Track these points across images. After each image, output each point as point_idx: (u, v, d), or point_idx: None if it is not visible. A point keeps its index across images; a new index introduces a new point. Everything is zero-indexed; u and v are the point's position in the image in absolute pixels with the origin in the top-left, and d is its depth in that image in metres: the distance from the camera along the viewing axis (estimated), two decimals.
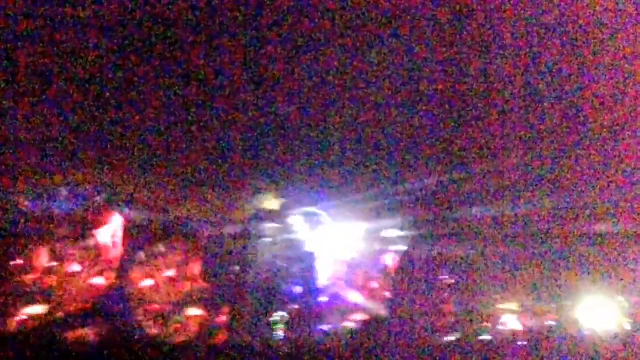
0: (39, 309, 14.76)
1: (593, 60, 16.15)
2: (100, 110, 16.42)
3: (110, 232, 15.69)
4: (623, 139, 17.18)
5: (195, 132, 17.00)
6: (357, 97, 17.34)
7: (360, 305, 16.76)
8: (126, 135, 16.88)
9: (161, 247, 16.28)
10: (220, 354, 12.79)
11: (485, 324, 17.17)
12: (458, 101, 17.40)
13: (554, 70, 16.71)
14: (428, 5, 15.56)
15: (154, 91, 16.42)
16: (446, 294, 17.28)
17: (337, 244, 17.71)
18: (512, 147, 17.89)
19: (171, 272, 16.12)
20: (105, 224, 15.71)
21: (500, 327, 17.24)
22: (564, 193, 18.16)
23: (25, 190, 15.71)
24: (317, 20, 15.83)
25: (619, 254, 18.63)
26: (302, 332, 15.18)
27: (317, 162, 17.86)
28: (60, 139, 16.26)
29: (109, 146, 16.67)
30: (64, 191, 16.02)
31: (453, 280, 17.74)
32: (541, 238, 18.62)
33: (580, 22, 15.63)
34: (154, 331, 14.97)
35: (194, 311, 15.90)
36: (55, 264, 15.37)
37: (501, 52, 16.44)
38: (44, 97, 15.69)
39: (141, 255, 15.97)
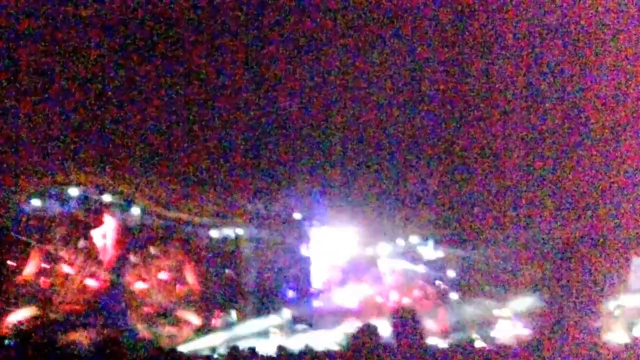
0: (32, 311, 14.71)
1: (595, 61, 16.06)
2: (101, 110, 16.38)
3: (105, 234, 15.62)
4: (625, 140, 17.08)
5: (193, 135, 16.95)
6: (357, 98, 17.27)
7: (353, 310, 16.68)
8: (124, 136, 16.84)
9: (156, 250, 16.19)
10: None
11: (480, 329, 17.11)
12: (459, 102, 17.32)
13: (555, 71, 16.62)
14: (430, 6, 15.49)
15: (155, 91, 16.37)
16: (440, 300, 17.21)
17: (332, 249, 17.62)
18: (514, 147, 17.81)
19: (165, 275, 16.03)
20: (100, 225, 15.64)
21: (495, 334, 17.16)
22: (564, 195, 18.10)
23: (24, 189, 15.68)
24: (319, 21, 15.76)
25: (618, 257, 18.55)
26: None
27: (315, 166, 17.79)
28: (57, 138, 16.23)
29: (107, 146, 16.64)
30: (60, 192, 15.98)
31: (448, 286, 17.67)
32: (542, 240, 18.54)
33: (583, 23, 15.55)
34: (147, 334, 14.89)
35: (187, 315, 15.83)
36: (48, 265, 15.30)
37: (503, 52, 16.35)
38: (45, 96, 15.68)
39: (136, 257, 15.89)
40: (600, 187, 17.71)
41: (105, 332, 13.77)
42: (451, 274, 18.02)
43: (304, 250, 17.23)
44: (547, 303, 17.84)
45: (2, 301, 14.77)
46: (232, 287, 16.60)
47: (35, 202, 15.59)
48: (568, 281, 17.94)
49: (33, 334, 13.53)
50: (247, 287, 16.72)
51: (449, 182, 18.53)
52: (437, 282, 17.20)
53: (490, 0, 15.48)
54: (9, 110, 15.59)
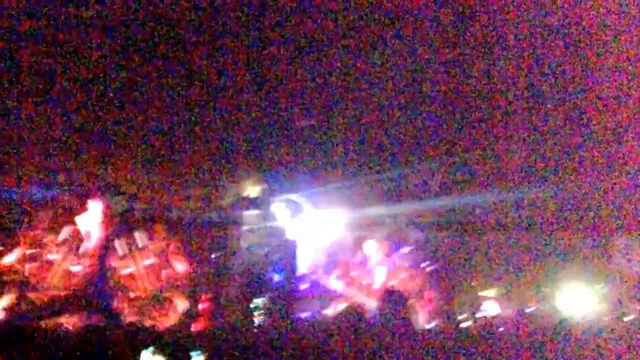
0: (16, 297, 14.67)
1: (597, 61, 16.09)
2: (101, 110, 16.27)
3: (90, 219, 15.55)
4: (627, 142, 17.18)
5: (175, 117, 16.86)
6: (358, 98, 17.22)
7: (340, 293, 16.76)
8: (126, 136, 16.78)
9: (142, 235, 16.18)
10: (201, 341, 12.69)
11: (466, 310, 17.25)
12: (460, 102, 17.33)
13: (557, 72, 16.64)
14: (431, 6, 15.41)
15: (156, 91, 16.27)
16: (427, 281, 17.30)
17: (318, 232, 17.67)
18: (515, 148, 17.89)
19: (151, 260, 16.03)
20: (85, 210, 15.57)
21: (480, 314, 17.32)
22: (553, 185, 18.17)
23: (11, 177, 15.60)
24: (319, 21, 15.65)
25: (603, 243, 18.71)
26: (283, 319, 15.14)
27: (299, 148, 17.79)
28: (58, 139, 16.16)
29: (109, 147, 16.59)
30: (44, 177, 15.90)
31: (434, 268, 17.77)
32: (527, 227, 18.66)
33: (584, 23, 15.54)
34: (134, 318, 14.90)
35: (174, 299, 15.85)
36: (32, 250, 15.25)
37: (505, 53, 16.33)
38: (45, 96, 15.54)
39: (122, 242, 15.86)
40: (602, 188, 17.82)
41: (90, 317, 13.78)
42: (439, 255, 18.12)
43: (289, 234, 17.27)
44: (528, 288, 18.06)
45: None
46: (219, 271, 16.63)
47: (17, 189, 15.49)
48: (549, 267, 18.16)
49: (18, 320, 13.51)
50: (232, 271, 16.76)
51: (450, 182, 18.60)
52: (424, 264, 17.28)
53: (492, 0, 15.41)
54: (9, 110, 15.47)
